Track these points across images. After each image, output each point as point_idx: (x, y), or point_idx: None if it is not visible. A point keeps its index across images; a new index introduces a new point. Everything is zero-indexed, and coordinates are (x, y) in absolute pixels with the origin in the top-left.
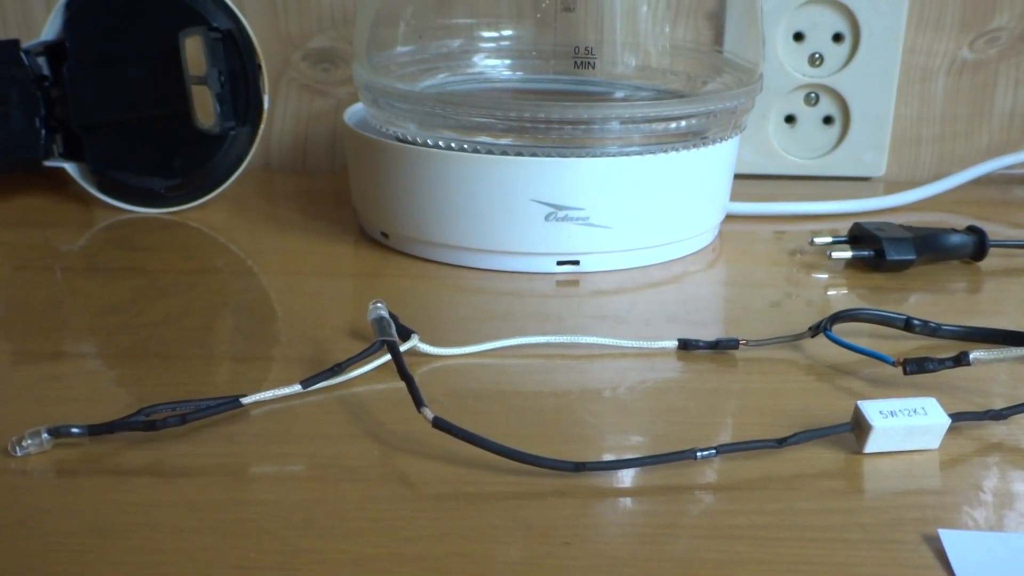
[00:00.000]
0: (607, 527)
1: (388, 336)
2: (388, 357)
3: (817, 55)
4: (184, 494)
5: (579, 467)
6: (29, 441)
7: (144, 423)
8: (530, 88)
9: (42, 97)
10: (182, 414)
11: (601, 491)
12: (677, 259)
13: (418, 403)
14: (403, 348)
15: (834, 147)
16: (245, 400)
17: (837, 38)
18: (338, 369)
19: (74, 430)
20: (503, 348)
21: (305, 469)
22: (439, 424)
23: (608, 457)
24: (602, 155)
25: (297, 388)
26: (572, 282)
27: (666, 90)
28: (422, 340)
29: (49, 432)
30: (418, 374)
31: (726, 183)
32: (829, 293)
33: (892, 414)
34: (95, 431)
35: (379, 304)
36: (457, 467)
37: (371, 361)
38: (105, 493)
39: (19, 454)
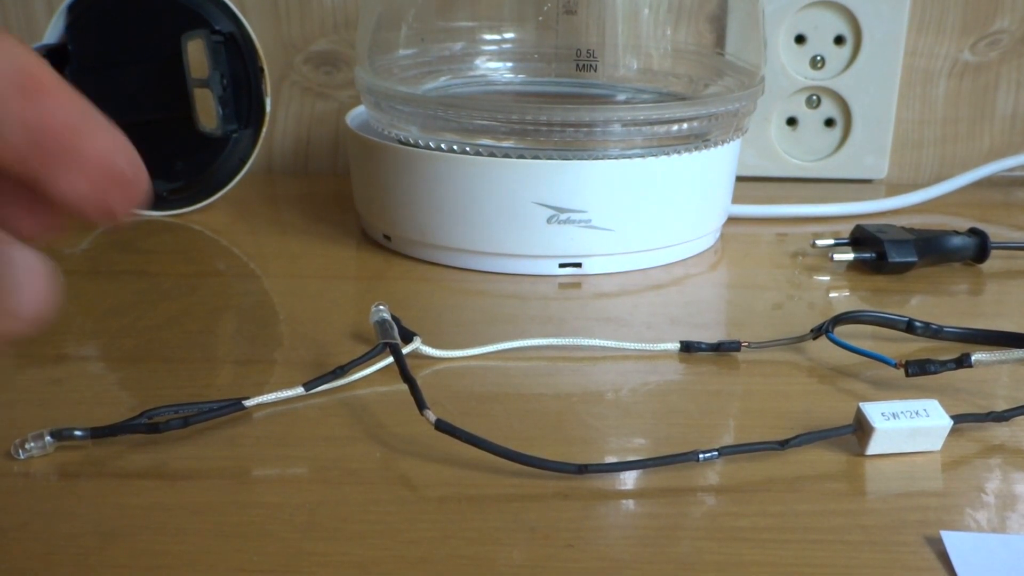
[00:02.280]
0: (610, 529)
1: (390, 339)
2: (391, 359)
3: (819, 58)
4: (187, 497)
5: (582, 469)
6: (32, 444)
7: (147, 425)
8: (532, 91)
9: None
10: (185, 416)
11: (604, 493)
12: (679, 261)
13: (420, 406)
14: (405, 351)
15: (836, 149)
16: (247, 403)
17: (839, 41)
18: (340, 372)
19: (77, 433)
20: (505, 351)
21: (307, 472)
22: (441, 427)
23: (611, 459)
24: (604, 158)
25: (300, 391)
26: (574, 284)
27: (668, 93)
28: (424, 343)
29: (52, 435)
30: (420, 376)
31: (728, 185)
32: (831, 295)
33: (894, 416)
34: (98, 434)
35: (381, 307)
36: (459, 470)
37: (373, 364)
38: (108, 496)
39: (22, 457)
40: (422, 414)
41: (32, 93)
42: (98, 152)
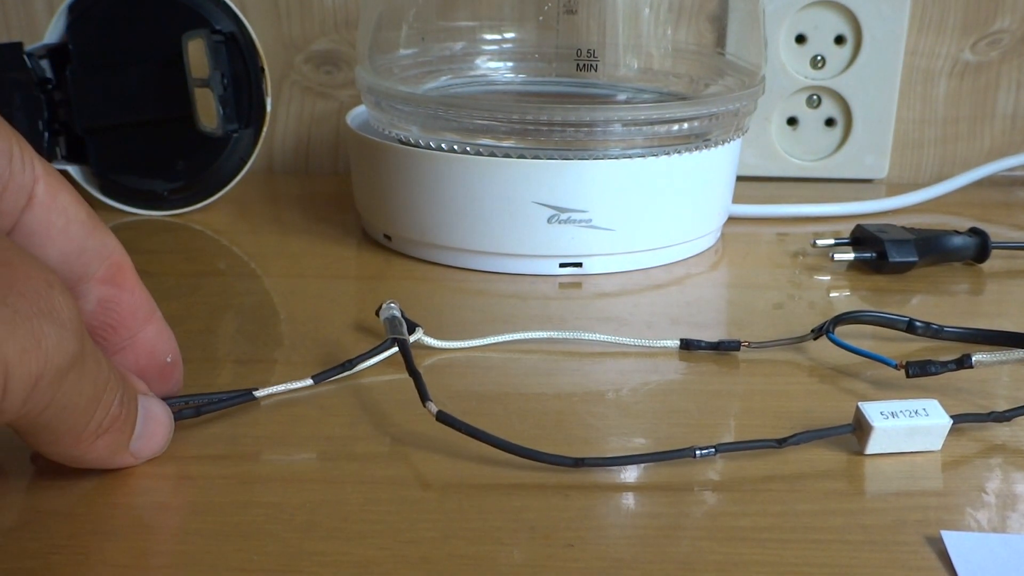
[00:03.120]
0: (610, 529)
1: (399, 334)
2: (395, 350)
3: (819, 57)
4: (187, 496)
5: (578, 463)
6: None
7: None
8: (533, 91)
9: (45, 100)
10: (196, 406)
11: (604, 493)
12: (680, 261)
13: (423, 398)
14: (411, 339)
15: (836, 149)
16: (258, 393)
17: (839, 40)
18: (349, 366)
19: None
20: (506, 343)
21: (308, 471)
22: (442, 418)
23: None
24: (605, 157)
25: (308, 383)
26: (575, 284)
27: (668, 92)
28: (426, 333)
29: None
30: (423, 366)
31: (728, 185)
32: (831, 295)
33: (893, 415)
34: None
35: (392, 304)
36: (460, 469)
37: (380, 354)
38: (108, 495)
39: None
40: (424, 406)
41: (115, 281)
42: (150, 341)
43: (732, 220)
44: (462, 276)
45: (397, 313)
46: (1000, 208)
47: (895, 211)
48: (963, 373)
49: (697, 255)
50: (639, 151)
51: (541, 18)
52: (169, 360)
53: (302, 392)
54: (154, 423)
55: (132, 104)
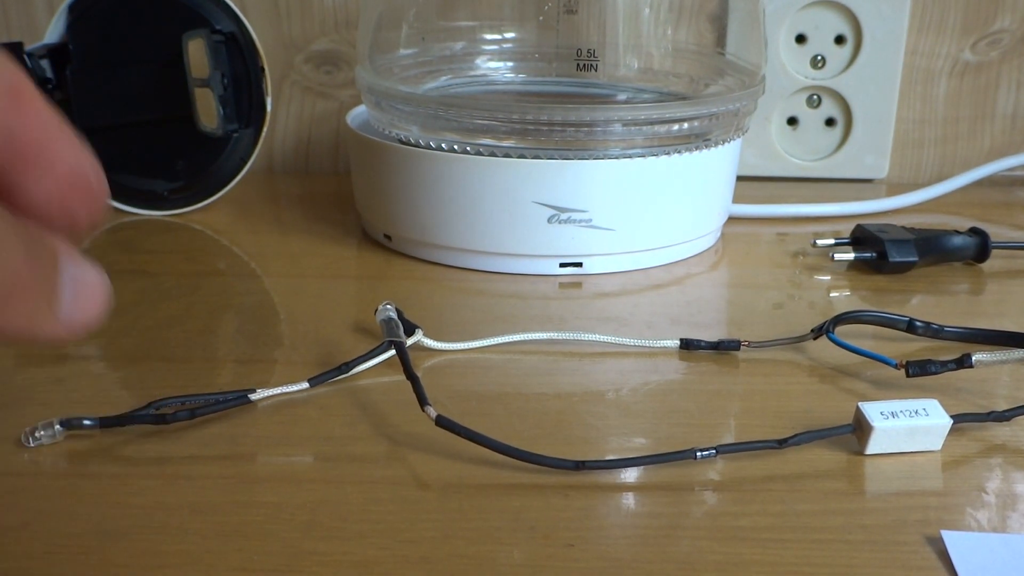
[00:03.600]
0: (610, 529)
1: (396, 337)
2: (392, 352)
3: (819, 57)
4: (188, 496)
5: (579, 465)
6: (42, 432)
7: (154, 416)
8: (533, 90)
9: None
10: (192, 408)
11: (604, 493)
12: (680, 261)
13: (422, 402)
14: (408, 342)
15: (836, 149)
16: (253, 396)
17: (839, 40)
18: (346, 368)
19: (86, 422)
20: (506, 344)
21: (309, 471)
22: (442, 423)
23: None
24: (605, 157)
25: (304, 385)
26: (575, 284)
27: (669, 92)
28: (426, 335)
29: (61, 423)
30: (422, 368)
31: (729, 185)
32: (831, 295)
33: (893, 415)
34: (106, 423)
35: (388, 305)
36: (460, 470)
37: (377, 356)
38: (109, 495)
39: (32, 445)
40: (423, 410)
41: (17, 102)
42: (69, 160)
43: (732, 220)
44: (462, 276)
45: (393, 315)
46: (1000, 208)
47: (895, 211)
48: (963, 373)
49: (697, 255)
50: (639, 151)
51: (541, 18)
52: (92, 175)
53: (300, 393)
54: (83, 287)
55: (132, 104)
